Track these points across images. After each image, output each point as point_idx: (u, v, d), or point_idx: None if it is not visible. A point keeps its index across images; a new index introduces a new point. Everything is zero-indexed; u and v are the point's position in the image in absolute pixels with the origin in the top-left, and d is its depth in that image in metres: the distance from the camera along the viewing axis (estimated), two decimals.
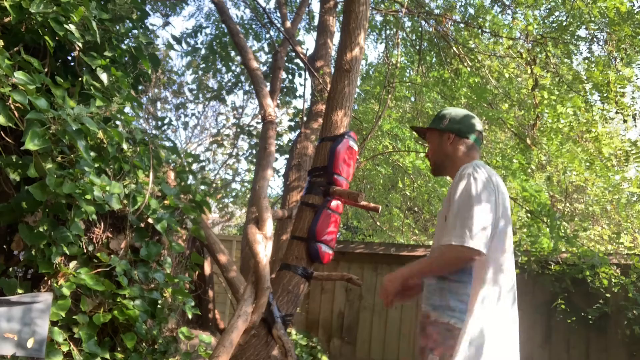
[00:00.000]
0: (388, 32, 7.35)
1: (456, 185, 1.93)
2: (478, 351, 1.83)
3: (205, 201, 3.80)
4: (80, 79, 3.10)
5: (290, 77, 7.79)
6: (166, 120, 9.20)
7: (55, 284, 2.81)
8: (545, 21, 6.13)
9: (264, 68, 7.65)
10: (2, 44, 2.60)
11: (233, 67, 8.80)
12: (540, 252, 5.04)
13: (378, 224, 7.99)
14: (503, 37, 6.23)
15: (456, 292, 1.90)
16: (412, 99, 7.22)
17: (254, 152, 9.09)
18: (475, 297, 1.88)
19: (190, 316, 3.48)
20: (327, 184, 2.90)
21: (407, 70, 6.67)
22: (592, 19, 5.60)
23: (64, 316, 2.75)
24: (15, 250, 2.89)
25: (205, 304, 4.89)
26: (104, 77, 3.11)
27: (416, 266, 2.03)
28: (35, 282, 2.90)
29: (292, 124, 8.02)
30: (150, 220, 3.30)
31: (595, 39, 5.89)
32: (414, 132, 2.27)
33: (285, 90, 7.92)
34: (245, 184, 11.54)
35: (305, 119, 5.72)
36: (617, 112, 5.74)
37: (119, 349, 3.06)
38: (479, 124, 2.17)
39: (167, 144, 3.96)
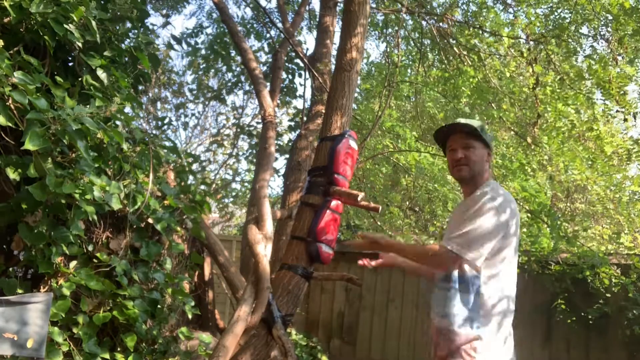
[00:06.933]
0: (389, 30, 7.35)
1: (477, 200, 2.01)
2: None
3: (205, 201, 3.80)
4: (80, 79, 3.09)
5: (290, 77, 7.79)
6: (166, 120, 9.18)
7: (55, 284, 2.81)
8: (548, 19, 6.11)
9: (264, 68, 7.64)
10: (2, 44, 2.59)
11: (233, 67, 8.80)
12: (540, 252, 5.03)
13: (379, 223, 7.98)
14: (504, 36, 6.22)
15: (455, 300, 2.00)
16: (413, 98, 7.21)
17: (254, 152, 9.08)
18: (480, 309, 1.99)
19: (190, 316, 3.48)
20: (327, 184, 2.89)
21: (408, 71, 6.66)
22: (595, 15, 5.57)
23: (64, 316, 2.76)
24: (15, 250, 2.89)
25: (205, 304, 4.89)
26: (104, 77, 3.10)
27: (409, 254, 2.23)
28: (35, 282, 2.90)
29: (292, 124, 8.02)
30: (150, 220, 3.30)
31: (598, 36, 5.87)
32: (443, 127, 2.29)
33: (285, 90, 7.92)
34: (245, 184, 11.52)
35: (305, 119, 5.72)
36: (617, 111, 5.73)
37: (119, 349, 3.06)
38: None
39: (167, 144, 3.94)
